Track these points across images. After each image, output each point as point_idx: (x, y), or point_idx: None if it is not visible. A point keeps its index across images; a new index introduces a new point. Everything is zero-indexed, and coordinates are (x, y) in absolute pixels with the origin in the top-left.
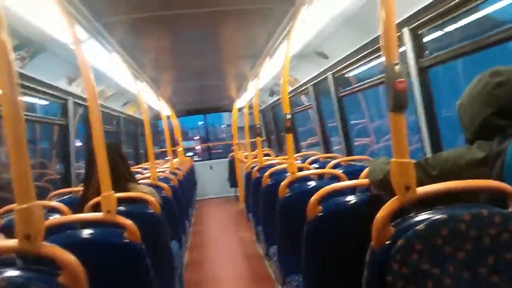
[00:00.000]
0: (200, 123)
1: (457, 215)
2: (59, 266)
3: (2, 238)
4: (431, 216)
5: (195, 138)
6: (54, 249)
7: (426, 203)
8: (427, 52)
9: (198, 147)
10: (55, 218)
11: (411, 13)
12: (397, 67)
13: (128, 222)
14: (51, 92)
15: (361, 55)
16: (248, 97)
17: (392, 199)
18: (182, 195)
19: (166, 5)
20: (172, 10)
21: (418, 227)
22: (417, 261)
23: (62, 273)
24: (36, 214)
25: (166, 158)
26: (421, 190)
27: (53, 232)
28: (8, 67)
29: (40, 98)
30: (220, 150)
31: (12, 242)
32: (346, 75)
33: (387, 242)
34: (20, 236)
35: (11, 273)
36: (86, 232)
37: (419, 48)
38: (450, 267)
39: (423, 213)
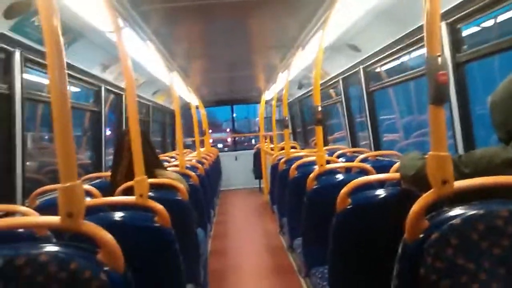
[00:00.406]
0: (234, 115)
1: (494, 210)
2: (97, 245)
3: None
4: (466, 210)
5: (227, 130)
6: (94, 227)
7: (459, 199)
8: (464, 47)
9: (229, 139)
10: (89, 200)
11: (449, 7)
12: (439, 59)
13: (159, 206)
14: (86, 79)
15: (394, 49)
16: (276, 89)
17: (428, 192)
18: (208, 184)
19: None
20: (206, 0)
21: (453, 221)
22: (452, 255)
23: (100, 251)
24: (78, 192)
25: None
26: (459, 184)
27: (86, 214)
28: (59, 53)
29: (75, 84)
30: (252, 142)
31: (55, 219)
32: (376, 70)
33: (421, 236)
34: (63, 214)
35: (53, 248)
36: (118, 215)
37: (456, 43)
38: (485, 263)
39: (458, 208)
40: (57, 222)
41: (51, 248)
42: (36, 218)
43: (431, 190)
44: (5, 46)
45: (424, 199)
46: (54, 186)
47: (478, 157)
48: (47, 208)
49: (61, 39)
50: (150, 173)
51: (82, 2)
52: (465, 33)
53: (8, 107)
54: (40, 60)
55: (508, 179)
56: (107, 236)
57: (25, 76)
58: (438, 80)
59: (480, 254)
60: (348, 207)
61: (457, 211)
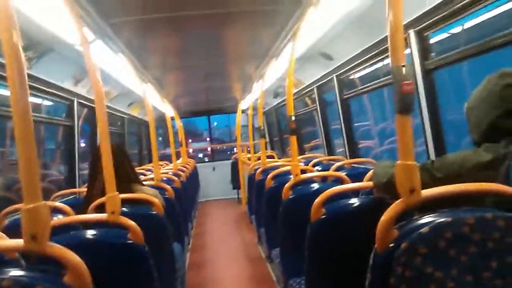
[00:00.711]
0: (215, 123)
1: (461, 218)
2: (64, 266)
3: (5, 239)
4: (435, 219)
5: (207, 139)
6: (60, 249)
7: (430, 206)
8: (432, 54)
9: (209, 148)
10: (59, 218)
11: (417, 15)
12: (404, 69)
13: (131, 223)
14: (57, 93)
15: (366, 57)
16: (252, 98)
17: (397, 201)
18: (185, 196)
19: (173, 7)
20: (179, 12)
21: (422, 230)
22: (421, 264)
23: (67, 273)
24: (43, 213)
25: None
26: (426, 192)
27: (56, 233)
28: (19, 68)
29: (46, 99)
30: (234, 151)
31: (18, 242)
32: (350, 77)
33: (391, 245)
34: (26, 236)
35: (16, 273)
36: (90, 233)
37: (425, 50)
38: (453, 271)
39: (427, 216)
40: (20, 245)
41: (15, 272)
42: None
43: (400, 200)
44: None
45: (393, 208)
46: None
47: (450, 161)
48: (15, 228)
49: (22, 52)
50: (128, 189)
51: (50, 15)
52: (433, 40)
53: None
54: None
55: (472, 186)
56: (73, 258)
57: None
58: (403, 90)
59: (448, 262)
60: (322, 217)
61: (426, 219)
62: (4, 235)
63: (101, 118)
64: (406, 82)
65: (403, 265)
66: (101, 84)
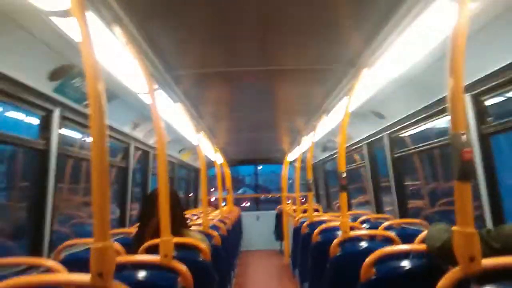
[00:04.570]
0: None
1: None
2: None
3: (65, 272)
4: None
5: (241, 189)
6: None
7: (486, 275)
8: (489, 119)
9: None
10: (117, 257)
11: (474, 79)
12: (464, 137)
13: (183, 268)
14: (117, 136)
15: (418, 118)
16: (300, 151)
17: (455, 269)
18: (229, 244)
19: (231, 63)
20: (236, 67)
21: None
22: None
23: None
24: (110, 253)
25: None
26: (487, 262)
27: None
28: (101, 116)
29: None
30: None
31: (85, 277)
32: (401, 136)
33: None
34: (93, 273)
35: None
36: (142, 274)
37: (481, 114)
38: None
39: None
40: (87, 280)
41: None
42: (67, 276)
43: (458, 267)
44: (47, 106)
45: (451, 276)
46: (82, 241)
47: (508, 232)
48: (72, 262)
49: (105, 103)
50: (176, 232)
51: (120, 66)
52: (490, 102)
53: (44, 162)
54: (75, 118)
55: None
56: None
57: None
58: (463, 157)
59: None
60: (373, 278)
61: None
62: (64, 268)
63: (161, 163)
64: (466, 149)
65: None
66: (163, 131)
